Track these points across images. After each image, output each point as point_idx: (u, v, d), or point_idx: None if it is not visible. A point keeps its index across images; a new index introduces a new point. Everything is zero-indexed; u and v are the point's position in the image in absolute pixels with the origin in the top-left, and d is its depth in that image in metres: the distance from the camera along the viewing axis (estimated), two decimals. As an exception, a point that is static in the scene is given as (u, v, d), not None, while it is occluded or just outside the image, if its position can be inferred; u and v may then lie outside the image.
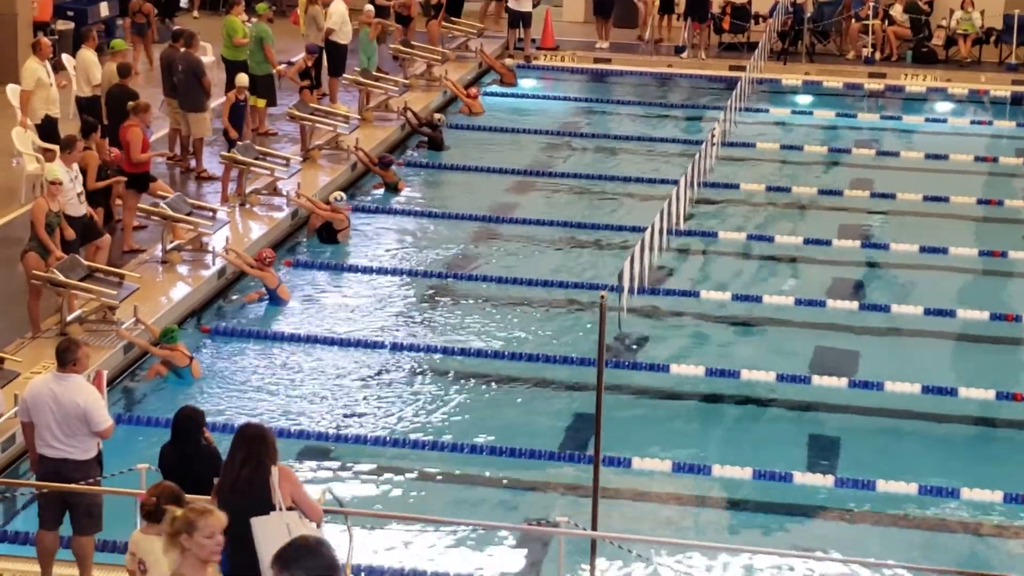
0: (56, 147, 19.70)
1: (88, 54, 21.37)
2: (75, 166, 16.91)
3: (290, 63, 25.09)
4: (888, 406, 16.13)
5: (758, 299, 18.75)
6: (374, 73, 25.63)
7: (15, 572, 11.75)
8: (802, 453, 15.11)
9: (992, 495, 14.12)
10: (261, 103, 22.94)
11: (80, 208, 16.85)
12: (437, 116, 25.25)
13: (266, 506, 9.15)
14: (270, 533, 9.04)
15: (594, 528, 11.20)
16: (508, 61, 29.45)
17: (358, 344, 17.15)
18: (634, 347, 17.45)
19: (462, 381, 16.47)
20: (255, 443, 9.32)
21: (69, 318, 16.03)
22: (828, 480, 14.40)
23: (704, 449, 15.13)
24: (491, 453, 14.78)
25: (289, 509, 9.17)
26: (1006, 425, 15.91)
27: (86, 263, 16.54)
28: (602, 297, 11.40)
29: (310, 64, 24.08)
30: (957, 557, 13.34)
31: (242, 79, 21.90)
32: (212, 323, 17.61)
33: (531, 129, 26.03)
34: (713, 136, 22.45)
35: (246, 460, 9.25)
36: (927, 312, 18.36)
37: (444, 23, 29.78)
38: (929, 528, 13.86)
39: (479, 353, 17.04)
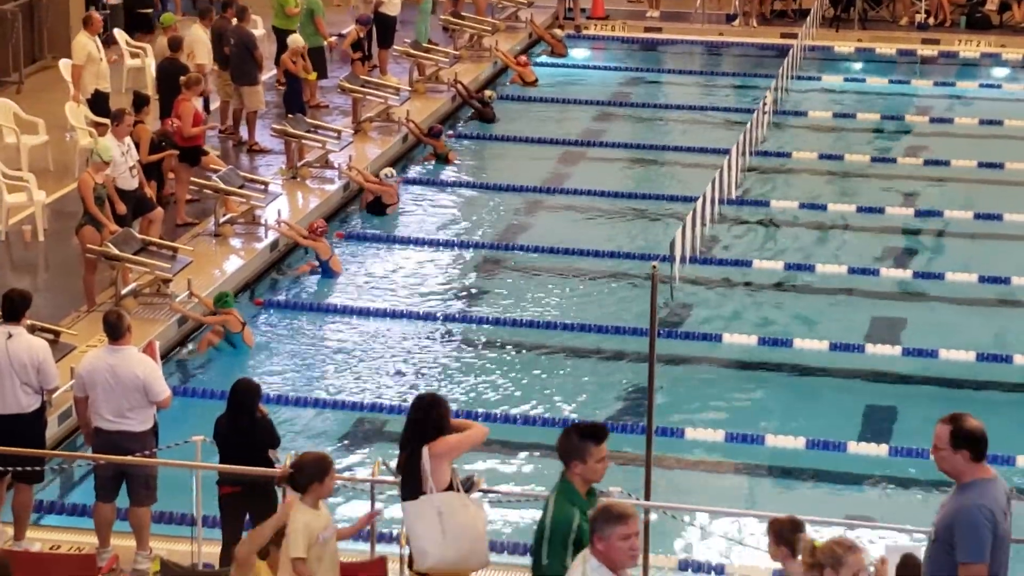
0: (106, 121, 19.83)
1: (199, 31, 21.50)
2: (127, 140, 16.99)
3: (341, 35, 25.11)
4: (943, 374, 16.05)
5: (811, 268, 18.67)
6: (424, 45, 25.62)
7: (73, 544, 11.88)
8: (856, 422, 15.07)
9: (1048, 462, 14.03)
10: (312, 76, 22.97)
11: (132, 182, 16.94)
12: (488, 93, 25.22)
13: (419, 489, 8.89)
14: (419, 518, 8.87)
15: (647, 498, 11.20)
16: (558, 32, 29.35)
17: (410, 316, 17.20)
18: (686, 317, 17.41)
19: (514, 352, 16.49)
20: (411, 425, 8.97)
21: (123, 292, 16.14)
22: (882, 449, 14.35)
23: (757, 419, 15.10)
24: (543, 424, 14.80)
25: (449, 488, 8.88)
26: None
27: (140, 237, 16.64)
28: (654, 267, 11.39)
29: (362, 35, 24.09)
30: (1015, 525, 13.24)
31: (296, 40, 21.95)
32: (265, 296, 17.69)
33: (581, 99, 25.94)
34: (765, 104, 22.33)
35: (406, 442, 8.98)
36: (981, 279, 18.24)
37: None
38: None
39: (531, 324, 17.05)
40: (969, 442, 7.83)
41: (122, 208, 16.56)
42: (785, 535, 8.35)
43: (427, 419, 8.96)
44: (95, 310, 15.88)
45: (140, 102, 18.35)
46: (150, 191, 17.60)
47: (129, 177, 16.87)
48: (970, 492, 7.84)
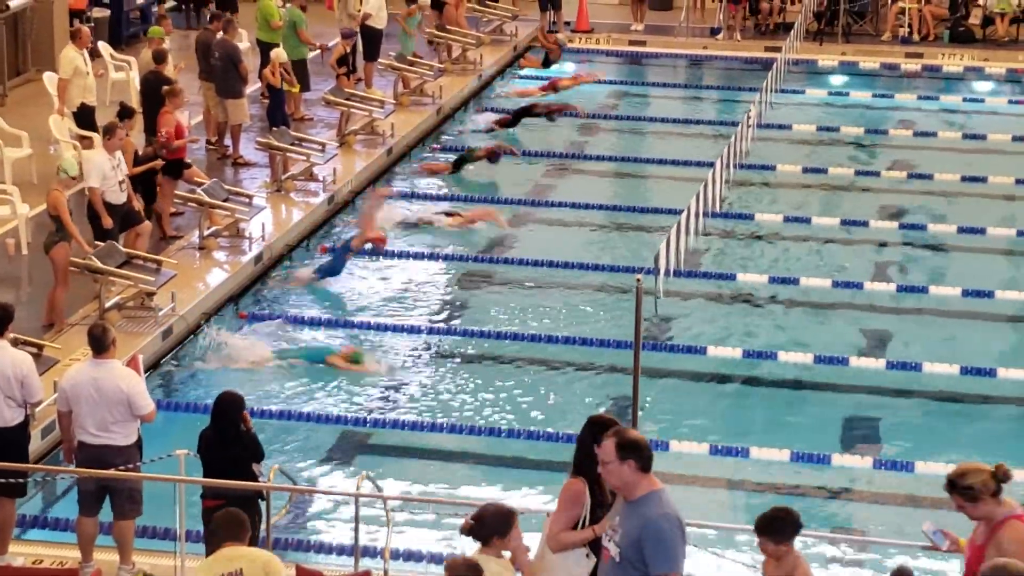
0: (92, 135, 19.81)
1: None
2: (117, 153, 16.96)
3: (326, 48, 25.13)
4: (926, 387, 16.08)
5: (795, 281, 18.70)
6: (409, 58, 25.65)
7: (56, 558, 11.84)
8: (840, 435, 15.08)
9: (1032, 476, 14.05)
10: (296, 89, 22.98)
11: (121, 196, 16.90)
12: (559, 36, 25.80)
13: None
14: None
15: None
16: (561, 37, 29.20)
17: (395, 329, 17.18)
18: (671, 330, 17.43)
19: (498, 365, 16.48)
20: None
21: (107, 305, 16.10)
22: (866, 462, 14.36)
23: (742, 432, 15.11)
24: (528, 437, 14.78)
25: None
26: (1045, 406, 15.84)
27: (124, 250, 16.60)
28: (638, 280, 11.41)
29: (348, 49, 24.08)
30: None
31: (278, 54, 21.95)
32: (249, 309, 17.67)
33: (566, 112, 25.91)
34: (749, 118, 22.38)
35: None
36: (965, 293, 18.27)
37: (479, 6, 29.73)
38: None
39: (516, 337, 17.05)
40: (634, 451, 7.82)
41: (108, 222, 16.55)
42: None
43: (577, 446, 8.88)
44: (76, 325, 15.82)
45: (125, 114, 18.31)
46: (138, 204, 17.56)
47: (118, 191, 16.84)
48: (650, 504, 7.81)
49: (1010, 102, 27.44)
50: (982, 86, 28.60)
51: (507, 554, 8.77)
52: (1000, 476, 8.49)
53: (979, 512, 8.48)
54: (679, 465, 14.39)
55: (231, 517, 9.09)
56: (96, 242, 16.48)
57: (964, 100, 27.46)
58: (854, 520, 13.67)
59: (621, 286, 18.28)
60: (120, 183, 16.85)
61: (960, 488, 8.44)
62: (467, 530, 8.86)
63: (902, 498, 13.91)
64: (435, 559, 12.30)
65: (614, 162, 23.64)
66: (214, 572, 8.86)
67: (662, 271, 14.93)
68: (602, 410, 15.36)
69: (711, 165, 20.03)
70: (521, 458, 14.47)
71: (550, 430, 14.82)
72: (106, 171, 16.58)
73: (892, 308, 18.22)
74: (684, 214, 16.09)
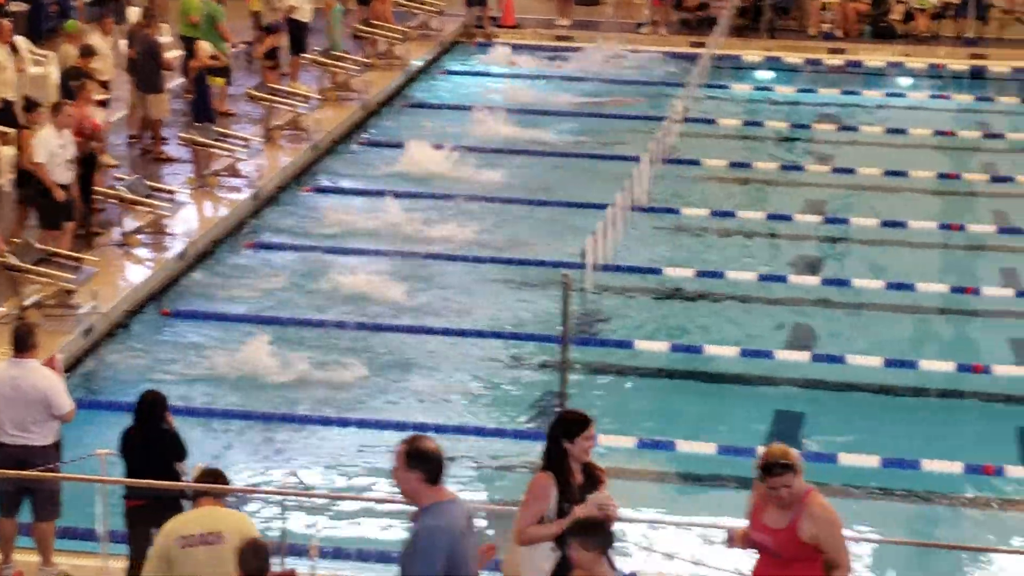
0: (10, 131, 19.57)
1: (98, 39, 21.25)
2: (65, 132, 16.77)
3: (247, 43, 24.90)
4: (850, 379, 16.19)
5: (720, 275, 18.75)
6: (336, 52, 25.51)
7: (-24, 559, 11.67)
8: (765, 428, 15.15)
9: (952, 466, 14.21)
10: (220, 82, 22.77)
11: (67, 175, 16.76)
12: None
13: None
14: None
15: (558, 506, 11.17)
16: None
17: (319, 324, 17.06)
18: (597, 324, 17.44)
19: (424, 360, 16.40)
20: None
21: (26, 303, 15.89)
22: (791, 454, 14.41)
23: (668, 425, 15.14)
24: (455, 432, 14.74)
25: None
26: (966, 397, 15.98)
27: (40, 247, 16.38)
28: (565, 275, 11.40)
29: (276, 44, 23.87)
30: (918, 528, 13.41)
31: (204, 47, 21.73)
32: (173, 306, 17.50)
33: (493, 107, 25.87)
34: (674, 112, 22.44)
35: None
36: (888, 286, 18.43)
37: (405, 1, 29.62)
38: (891, 500, 13.92)
39: (444, 332, 16.99)
40: (421, 462, 7.67)
41: (61, 194, 16.54)
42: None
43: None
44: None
45: (29, 107, 18.12)
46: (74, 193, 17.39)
47: (64, 169, 16.69)
48: (426, 515, 7.68)
49: (931, 97, 27.72)
50: (903, 81, 28.84)
51: None
52: None
53: (797, 485, 8.71)
54: (606, 458, 14.37)
55: (212, 473, 8.97)
56: (13, 239, 16.26)
57: (886, 95, 27.69)
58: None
59: (548, 280, 18.25)
60: (68, 162, 16.69)
61: (793, 466, 8.68)
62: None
63: (827, 491, 13.95)
64: (364, 557, 12.24)
65: (543, 156, 23.57)
66: (190, 530, 8.74)
67: (589, 265, 14.91)
68: (571, 406, 15.36)
69: (637, 159, 20.06)
70: (449, 454, 14.39)
71: (479, 424, 14.79)
72: (53, 148, 16.42)
73: (816, 301, 18.33)
74: (611, 208, 16.09)
